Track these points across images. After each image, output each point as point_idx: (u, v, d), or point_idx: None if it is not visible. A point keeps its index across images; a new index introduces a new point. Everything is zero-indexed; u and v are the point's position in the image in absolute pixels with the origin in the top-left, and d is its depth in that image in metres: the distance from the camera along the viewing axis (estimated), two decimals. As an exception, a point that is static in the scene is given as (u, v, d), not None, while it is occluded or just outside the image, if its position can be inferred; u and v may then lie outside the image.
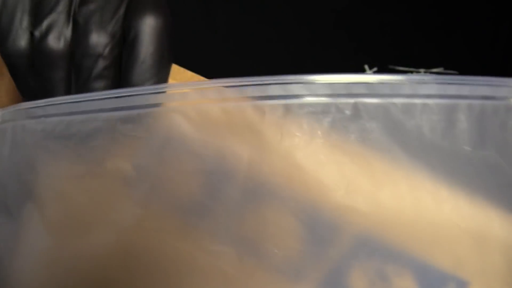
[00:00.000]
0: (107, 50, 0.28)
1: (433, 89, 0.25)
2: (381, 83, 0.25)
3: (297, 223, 0.25)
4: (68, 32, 0.28)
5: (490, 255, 0.25)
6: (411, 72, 0.41)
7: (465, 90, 0.26)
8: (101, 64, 0.28)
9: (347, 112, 0.25)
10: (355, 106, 0.25)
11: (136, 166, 0.26)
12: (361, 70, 0.42)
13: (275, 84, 0.25)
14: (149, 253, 0.26)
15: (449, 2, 0.43)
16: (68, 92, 0.29)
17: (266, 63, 0.43)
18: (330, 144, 0.25)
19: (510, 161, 0.26)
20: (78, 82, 0.28)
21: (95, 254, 0.26)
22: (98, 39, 0.28)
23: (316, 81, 0.25)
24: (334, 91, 0.25)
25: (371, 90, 0.25)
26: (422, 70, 0.41)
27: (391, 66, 0.42)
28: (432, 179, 0.25)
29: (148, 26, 0.28)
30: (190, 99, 0.26)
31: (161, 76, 0.29)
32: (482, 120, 0.26)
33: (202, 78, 0.30)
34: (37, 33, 0.28)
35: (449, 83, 0.26)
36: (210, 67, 0.41)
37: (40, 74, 0.29)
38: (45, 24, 0.28)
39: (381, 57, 0.42)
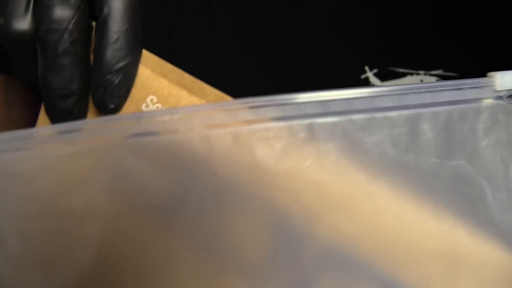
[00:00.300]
0: (72, 24, 0.27)
1: (392, 100, 0.24)
2: (335, 100, 0.23)
3: (268, 228, 0.24)
4: (29, 11, 0.28)
5: (459, 273, 0.24)
6: (411, 74, 0.40)
7: (427, 97, 0.24)
8: (67, 38, 0.27)
9: (301, 134, 0.24)
10: (310, 127, 0.23)
11: (86, 204, 0.25)
12: (361, 72, 0.41)
13: (222, 111, 0.24)
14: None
15: (449, 3, 0.41)
16: (36, 67, 0.29)
17: (265, 65, 0.42)
18: (285, 172, 0.23)
19: (480, 169, 0.24)
20: (46, 60, 0.27)
21: None
22: (62, 13, 0.27)
23: (265, 104, 0.23)
24: (286, 113, 0.23)
25: (325, 108, 0.23)
26: (421, 72, 0.40)
27: (391, 68, 0.40)
28: (397, 199, 0.24)
29: (121, 2, 0.28)
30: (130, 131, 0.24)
31: (135, 55, 0.28)
32: (449, 128, 0.24)
33: (181, 72, 0.29)
34: (1, 20, 0.28)
35: (409, 92, 0.24)
36: (207, 67, 0.40)
37: (12, 57, 0.29)
38: (8, 9, 0.28)
39: (381, 58, 0.41)
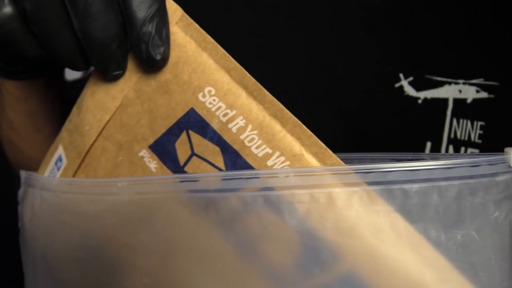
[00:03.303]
0: None
1: (406, 175, 0.26)
2: (354, 173, 0.26)
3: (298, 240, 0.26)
4: None
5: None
6: (449, 83, 0.38)
7: (438, 173, 0.26)
8: None
9: (322, 200, 0.26)
10: (330, 195, 0.26)
11: (141, 242, 0.30)
12: (396, 80, 0.39)
13: (252, 178, 0.27)
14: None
15: (491, 7, 0.38)
16: (73, 32, 0.28)
17: (287, 70, 0.42)
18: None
19: (488, 239, 0.26)
20: (78, 12, 0.28)
21: None
22: None
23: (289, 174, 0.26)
24: (308, 183, 0.26)
25: (343, 179, 0.26)
26: (460, 81, 0.38)
27: (427, 76, 0.38)
28: (405, 263, 0.26)
29: None
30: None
31: (161, 0, 0.29)
32: (460, 199, 0.26)
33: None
34: None
35: (419, 169, 0.26)
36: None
37: (38, 26, 0.29)
38: None
39: (417, 65, 0.38)
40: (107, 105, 0.31)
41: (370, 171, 0.26)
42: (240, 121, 0.28)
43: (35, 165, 0.36)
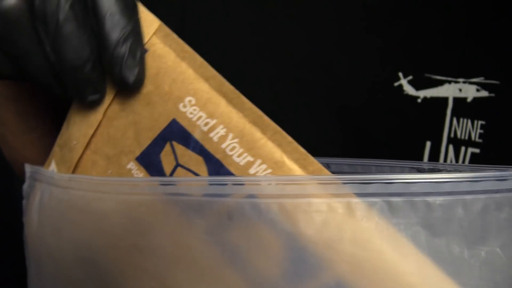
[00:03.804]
0: None
1: (430, 187, 0.25)
2: (372, 183, 0.25)
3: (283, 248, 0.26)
4: None
5: None
6: (449, 82, 0.37)
7: (465, 186, 0.25)
8: (64, 4, 0.27)
9: (340, 211, 0.25)
10: (348, 205, 0.25)
11: (150, 244, 0.29)
12: (395, 79, 0.38)
13: (270, 184, 0.26)
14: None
15: (491, 5, 0.37)
16: (43, 48, 0.28)
17: (288, 68, 0.42)
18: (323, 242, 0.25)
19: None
20: (49, 34, 0.27)
21: None
22: None
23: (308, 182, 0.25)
24: (327, 191, 0.25)
25: (363, 189, 0.25)
26: (461, 79, 0.37)
27: (427, 75, 0.38)
28: (425, 280, 0.25)
29: None
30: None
31: (134, 21, 0.28)
32: (485, 214, 0.25)
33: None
34: None
35: (444, 181, 0.25)
36: (226, 67, 0.39)
37: (7, 41, 0.28)
38: None
39: (417, 64, 0.38)
40: (90, 119, 0.31)
41: (392, 181, 0.25)
42: (220, 130, 0.28)
43: (29, 163, 0.35)
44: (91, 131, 0.31)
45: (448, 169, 0.32)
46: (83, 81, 0.28)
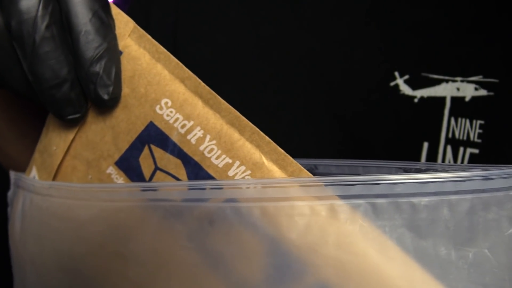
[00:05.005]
0: (40, 9, 0.27)
1: (415, 187, 0.24)
2: (356, 184, 0.24)
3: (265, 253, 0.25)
4: None
5: None
6: (446, 81, 0.36)
7: (450, 186, 0.24)
8: (40, 25, 0.27)
9: (323, 213, 0.25)
10: (332, 208, 0.25)
11: (132, 251, 0.28)
12: (391, 78, 0.37)
13: (248, 188, 0.25)
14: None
15: (488, 2, 0.36)
16: (21, 67, 0.28)
17: (283, 68, 0.41)
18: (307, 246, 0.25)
19: (501, 258, 0.24)
20: (26, 54, 0.27)
21: None
22: (27, 1, 0.27)
23: (291, 184, 0.25)
24: (309, 194, 0.25)
25: (346, 191, 0.24)
26: (458, 78, 0.36)
27: (424, 74, 0.37)
28: (412, 283, 0.24)
29: None
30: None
31: (110, 39, 0.28)
32: (472, 215, 0.24)
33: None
34: None
35: (429, 181, 0.24)
36: (219, 68, 0.39)
37: None
38: None
39: (413, 63, 0.37)
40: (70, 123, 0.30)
41: (376, 182, 0.24)
42: (198, 132, 0.28)
43: (24, 169, 0.35)
44: (71, 136, 0.30)
45: (437, 168, 0.31)
46: (61, 100, 0.28)
